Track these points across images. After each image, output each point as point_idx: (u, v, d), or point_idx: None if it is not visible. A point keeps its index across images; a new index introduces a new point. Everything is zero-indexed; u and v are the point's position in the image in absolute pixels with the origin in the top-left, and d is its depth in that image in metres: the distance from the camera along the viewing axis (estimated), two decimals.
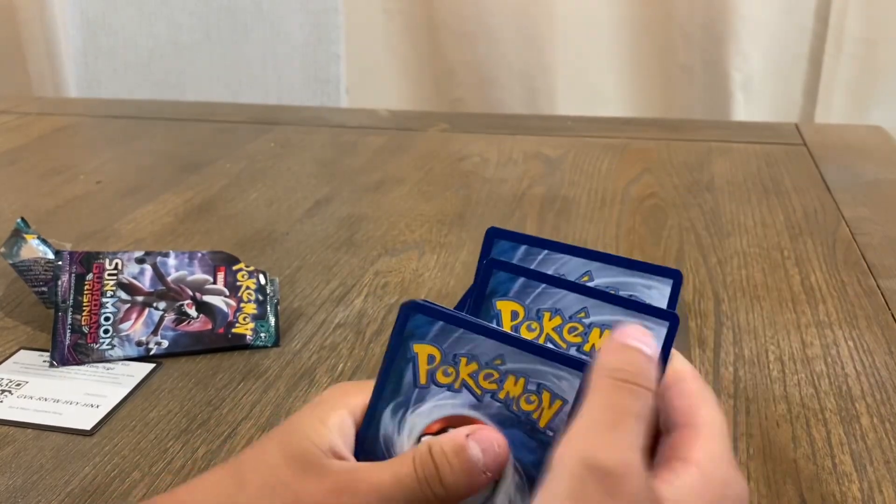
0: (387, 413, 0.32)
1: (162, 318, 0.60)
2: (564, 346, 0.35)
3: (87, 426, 0.52)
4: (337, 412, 0.33)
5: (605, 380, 0.29)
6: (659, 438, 0.32)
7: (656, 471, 0.30)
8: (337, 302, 0.67)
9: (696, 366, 0.57)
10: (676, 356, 0.34)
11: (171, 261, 0.63)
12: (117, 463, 0.48)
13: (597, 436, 0.28)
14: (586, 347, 0.35)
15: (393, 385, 0.32)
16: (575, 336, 0.35)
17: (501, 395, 0.31)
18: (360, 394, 0.33)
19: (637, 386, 0.29)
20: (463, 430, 0.31)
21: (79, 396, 0.54)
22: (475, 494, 0.31)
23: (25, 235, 0.64)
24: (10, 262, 0.63)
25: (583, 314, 0.35)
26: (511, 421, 0.31)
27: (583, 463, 0.27)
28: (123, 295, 0.60)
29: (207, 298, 0.62)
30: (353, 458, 0.32)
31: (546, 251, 0.38)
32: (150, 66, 1.67)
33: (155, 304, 0.60)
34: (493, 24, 1.62)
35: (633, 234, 0.79)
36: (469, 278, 0.71)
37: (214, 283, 0.63)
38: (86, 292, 0.60)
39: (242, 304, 0.62)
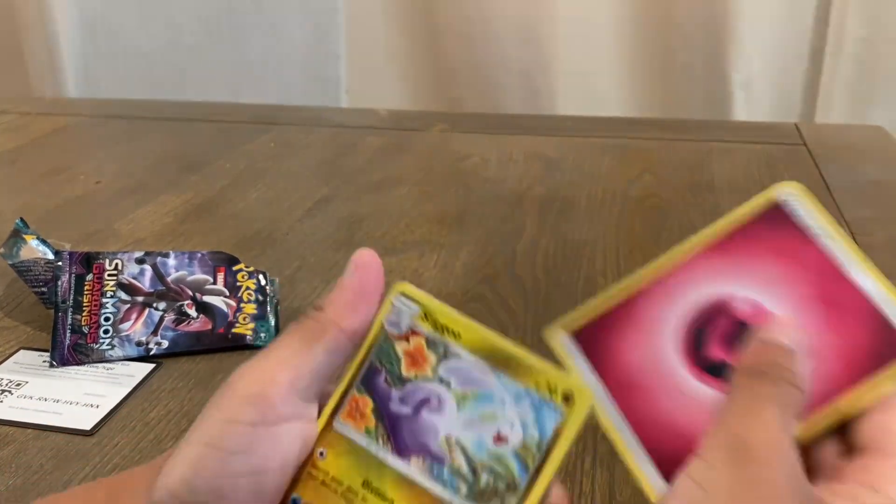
0: None
1: (162, 319, 0.60)
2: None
3: (87, 426, 0.52)
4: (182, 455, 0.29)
5: (741, 377, 0.29)
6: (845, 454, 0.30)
7: (835, 484, 0.28)
8: None
9: None
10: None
11: (171, 261, 0.62)
12: (117, 463, 0.48)
13: (740, 420, 0.27)
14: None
15: None
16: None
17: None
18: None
19: (774, 376, 0.28)
20: None
21: (79, 396, 0.54)
22: None
23: (25, 236, 0.64)
24: (10, 262, 0.63)
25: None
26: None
27: (730, 445, 0.26)
28: (123, 295, 0.60)
29: (207, 299, 0.62)
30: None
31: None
32: (150, 67, 1.67)
33: (155, 305, 0.60)
34: (493, 25, 1.62)
35: (633, 234, 0.79)
36: (469, 278, 0.71)
37: (214, 283, 0.63)
38: (86, 292, 0.60)
39: (242, 305, 0.62)
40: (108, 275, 0.61)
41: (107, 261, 0.61)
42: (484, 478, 0.28)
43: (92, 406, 0.53)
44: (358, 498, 0.30)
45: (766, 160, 1.00)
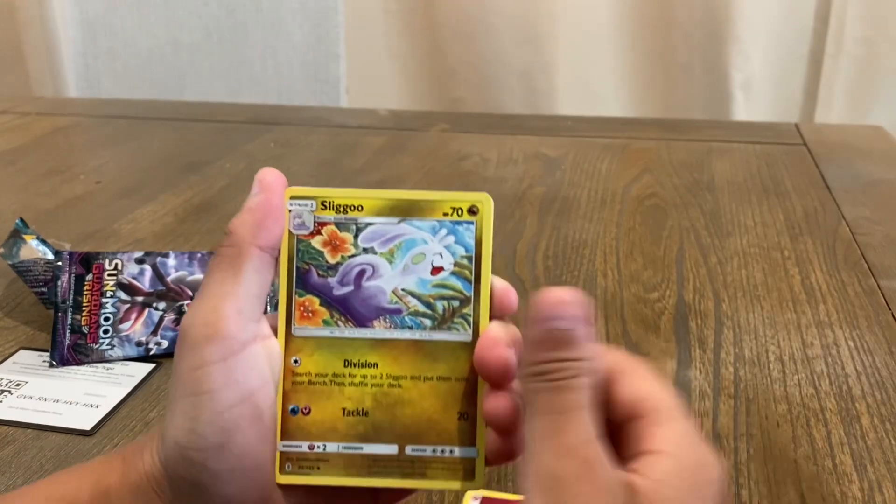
0: None
1: (162, 319, 0.60)
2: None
3: (87, 426, 0.52)
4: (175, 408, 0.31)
5: (532, 391, 0.28)
6: (617, 432, 0.31)
7: (628, 466, 0.28)
8: None
9: (697, 366, 0.57)
10: (609, 351, 0.32)
11: (171, 261, 0.62)
12: None
13: (546, 448, 0.27)
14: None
15: None
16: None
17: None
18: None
19: (566, 380, 0.28)
20: None
21: (78, 396, 0.54)
22: None
23: (25, 236, 0.64)
24: (10, 262, 0.63)
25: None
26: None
27: (543, 483, 0.26)
28: (123, 295, 0.60)
29: None
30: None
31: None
32: (150, 66, 1.67)
33: (155, 305, 0.60)
34: (493, 24, 1.62)
35: (633, 233, 0.79)
36: None
37: None
38: (85, 292, 0.59)
39: None
40: (108, 275, 0.61)
41: (106, 261, 0.61)
42: (440, 306, 0.32)
43: (92, 406, 0.53)
44: (346, 377, 0.32)
45: (766, 160, 1.00)
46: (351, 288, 0.33)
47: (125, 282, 0.61)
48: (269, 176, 0.33)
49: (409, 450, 0.32)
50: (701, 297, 0.67)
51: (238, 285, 0.31)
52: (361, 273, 0.33)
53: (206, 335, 0.30)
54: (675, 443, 0.28)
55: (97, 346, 0.58)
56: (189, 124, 1.21)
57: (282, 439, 0.32)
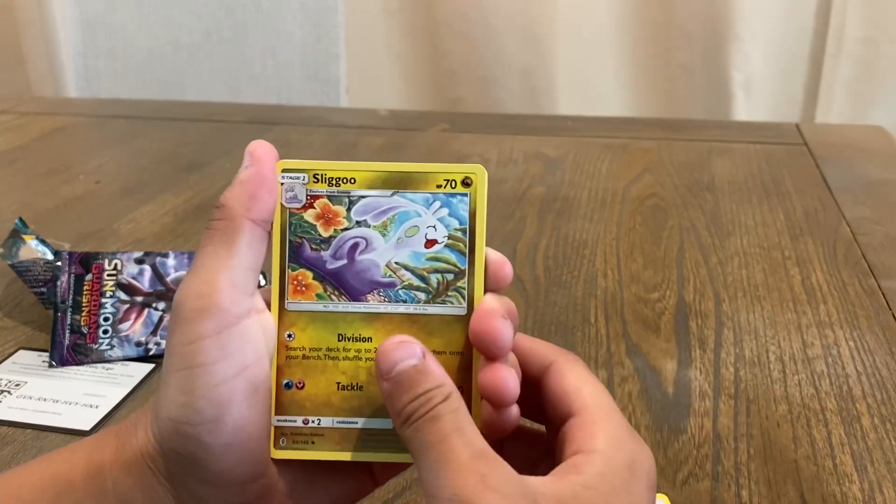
0: None
1: (161, 319, 0.60)
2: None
3: (87, 426, 0.51)
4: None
5: (406, 429, 0.29)
6: (555, 430, 0.31)
7: (563, 471, 0.29)
8: None
9: (697, 366, 0.57)
10: (534, 341, 0.34)
11: (171, 261, 0.62)
12: None
13: (440, 478, 0.27)
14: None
15: None
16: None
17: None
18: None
19: (430, 411, 0.28)
20: None
21: (78, 397, 0.54)
22: None
23: (24, 236, 0.64)
24: (9, 262, 0.63)
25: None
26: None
27: None
28: (123, 295, 0.60)
29: None
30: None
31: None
32: (150, 66, 1.67)
33: (154, 305, 0.60)
34: (493, 24, 1.62)
35: (634, 234, 0.79)
36: None
37: None
38: (85, 293, 0.59)
39: None
40: (108, 275, 0.60)
41: (106, 261, 0.61)
42: (434, 279, 0.32)
43: (91, 406, 0.53)
44: (340, 352, 0.32)
45: (767, 160, 1.00)
46: (344, 261, 0.32)
47: (125, 282, 0.61)
48: (260, 148, 0.33)
49: (403, 434, 0.31)
50: (701, 298, 0.66)
51: (231, 258, 0.31)
52: (355, 246, 0.32)
53: (199, 308, 0.30)
54: (606, 441, 0.29)
55: (97, 346, 0.58)
56: (189, 124, 1.21)
57: (276, 414, 0.32)
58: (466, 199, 0.32)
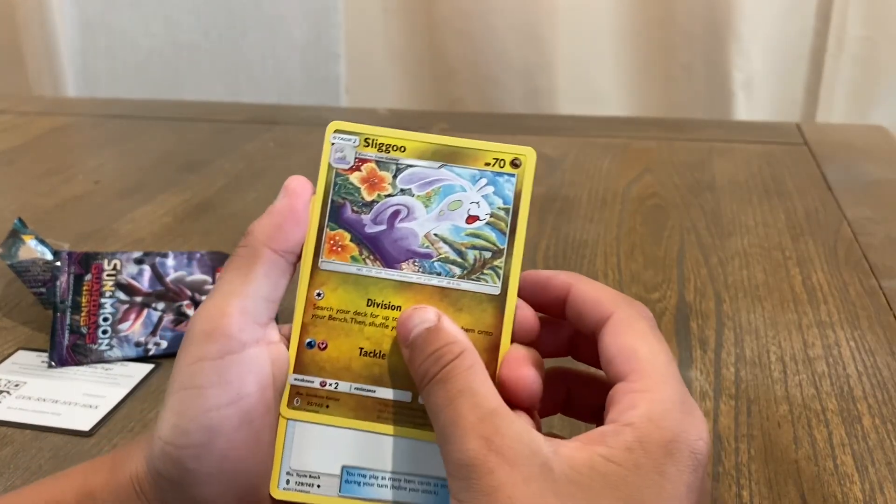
0: None
1: (161, 319, 0.60)
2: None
3: (86, 427, 0.51)
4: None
5: (422, 394, 0.29)
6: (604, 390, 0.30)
7: (588, 439, 0.27)
8: None
9: (698, 366, 0.57)
10: (600, 290, 0.32)
11: (170, 261, 0.62)
12: None
13: (450, 442, 0.27)
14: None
15: None
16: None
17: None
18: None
19: (441, 370, 0.28)
20: None
21: (77, 397, 0.54)
22: None
23: (23, 236, 0.64)
24: (8, 262, 0.62)
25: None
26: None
27: (458, 474, 0.26)
28: (122, 295, 0.60)
29: None
30: None
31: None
32: (149, 66, 1.67)
33: (154, 305, 0.60)
34: (493, 23, 1.62)
35: (634, 234, 0.79)
36: None
37: (213, 283, 0.63)
38: (84, 293, 0.59)
39: None
40: (107, 275, 0.60)
41: (105, 261, 0.61)
42: (471, 255, 0.32)
43: (91, 407, 0.53)
44: (367, 317, 0.32)
45: (767, 160, 1.00)
46: (384, 227, 0.32)
47: (124, 282, 0.60)
48: (295, 182, 0.33)
49: (422, 399, 0.31)
50: (702, 298, 0.66)
51: (246, 285, 0.31)
52: (396, 213, 0.32)
53: (206, 331, 0.30)
54: (643, 415, 0.27)
55: (96, 346, 0.58)
56: (188, 124, 1.20)
57: (294, 372, 0.31)
58: (513, 179, 0.32)
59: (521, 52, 1.63)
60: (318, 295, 0.32)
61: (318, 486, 0.31)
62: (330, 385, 0.31)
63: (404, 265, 0.32)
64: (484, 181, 0.32)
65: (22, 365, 0.58)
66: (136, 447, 0.32)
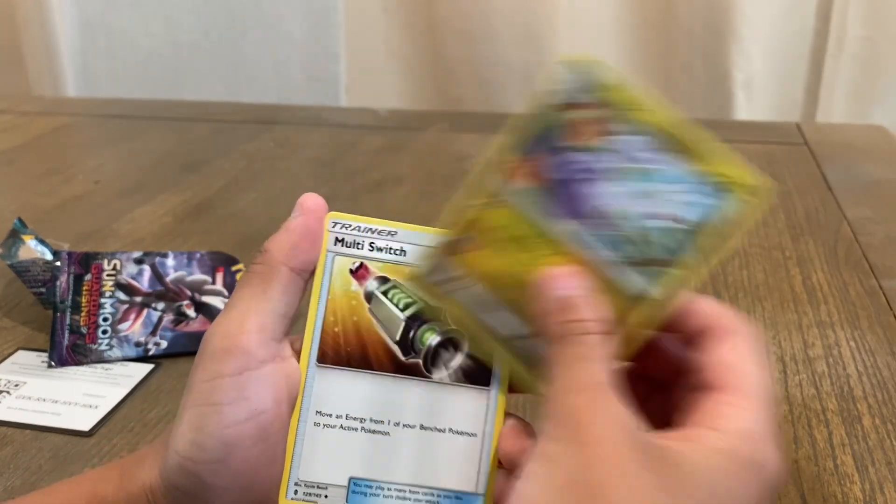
0: None
1: (160, 319, 0.60)
2: None
3: (86, 427, 0.51)
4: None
5: (547, 345, 0.29)
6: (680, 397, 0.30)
7: (679, 429, 0.28)
8: None
9: None
10: (713, 305, 0.31)
11: (170, 261, 0.62)
12: None
13: (558, 388, 0.27)
14: None
15: None
16: None
17: None
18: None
19: (569, 336, 0.28)
20: None
21: (77, 397, 0.54)
22: None
23: (23, 236, 0.64)
24: (8, 262, 0.62)
25: None
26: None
27: (556, 419, 0.27)
28: (122, 295, 0.60)
29: (206, 299, 0.62)
30: None
31: None
32: (149, 66, 1.67)
33: (153, 305, 0.60)
34: (493, 23, 1.62)
35: None
36: None
37: (213, 283, 0.63)
38: (84, 293, 0.59)
39: None
40: (107, 275, 0.60)
41: (105, 261, 0.61)
42: (649, 249, 0.29)
43: (91, 407, 0.53)
44: (527, 241, 0.30)
45: (768, 159, 1.00)
46: (578, 177, 0.30)
47: (124, 282, 0.60)
48: (310, 200, 0.34)
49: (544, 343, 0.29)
50: None
51: (264, 302, 0.31)
52: (597, 171, 0.30)
53: (224, 347, 0.30)
54: (741, 433, 0.27)
55: (96, 346, 0.58)
56: (188, 124, 1.20)
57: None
58: (739, 203, 0.30)
59: (521, 52, 1.63)
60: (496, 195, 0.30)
61: (326, 497, 0.31)
62: (466, 280, 0.31)
63: (579, 222, 0.30)
64: (709, 189, 0.30)
65: (22, 365, 0.58)
66: (146, 457, 0.32)
